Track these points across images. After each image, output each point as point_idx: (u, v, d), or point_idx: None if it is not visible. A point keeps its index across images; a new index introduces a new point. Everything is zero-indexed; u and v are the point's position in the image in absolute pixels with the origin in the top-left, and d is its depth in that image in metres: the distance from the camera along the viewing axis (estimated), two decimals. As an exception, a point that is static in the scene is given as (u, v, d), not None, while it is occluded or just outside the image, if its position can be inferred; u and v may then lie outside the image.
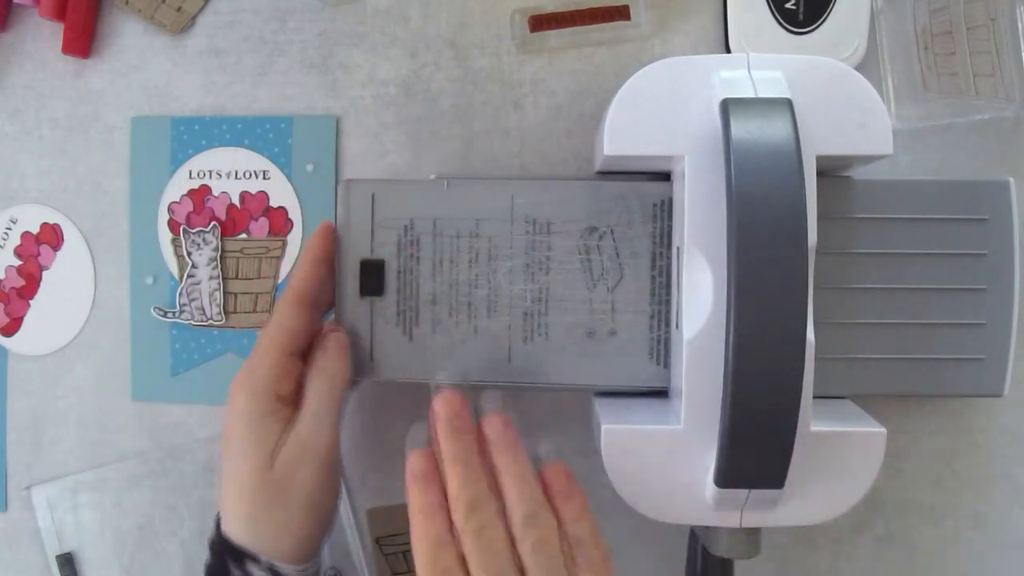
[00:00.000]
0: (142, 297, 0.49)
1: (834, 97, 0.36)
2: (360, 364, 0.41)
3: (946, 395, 0.42)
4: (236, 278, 0.48)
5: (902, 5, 0.45)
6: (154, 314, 0.49)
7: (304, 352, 0.40)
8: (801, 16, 0.45)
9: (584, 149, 0.47)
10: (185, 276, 0.48)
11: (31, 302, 0.50)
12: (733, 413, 0.32)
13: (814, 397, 0.35)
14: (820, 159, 0.35)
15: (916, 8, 0.45)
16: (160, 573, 0.49)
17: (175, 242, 0.49)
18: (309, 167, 0.48)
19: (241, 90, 0.48)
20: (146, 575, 0.49)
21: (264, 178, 0.48)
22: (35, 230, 0.50)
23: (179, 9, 0.48)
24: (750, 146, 0.32)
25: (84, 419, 0.49)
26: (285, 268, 0.48)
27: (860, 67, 0.44)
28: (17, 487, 0.49)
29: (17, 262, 0.50)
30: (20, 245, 0.50)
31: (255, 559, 0.37)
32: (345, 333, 0.40)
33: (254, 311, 0.48)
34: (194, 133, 0.48)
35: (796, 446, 0.33)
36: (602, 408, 0.39)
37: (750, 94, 0.34)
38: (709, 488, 0.35)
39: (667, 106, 0.36)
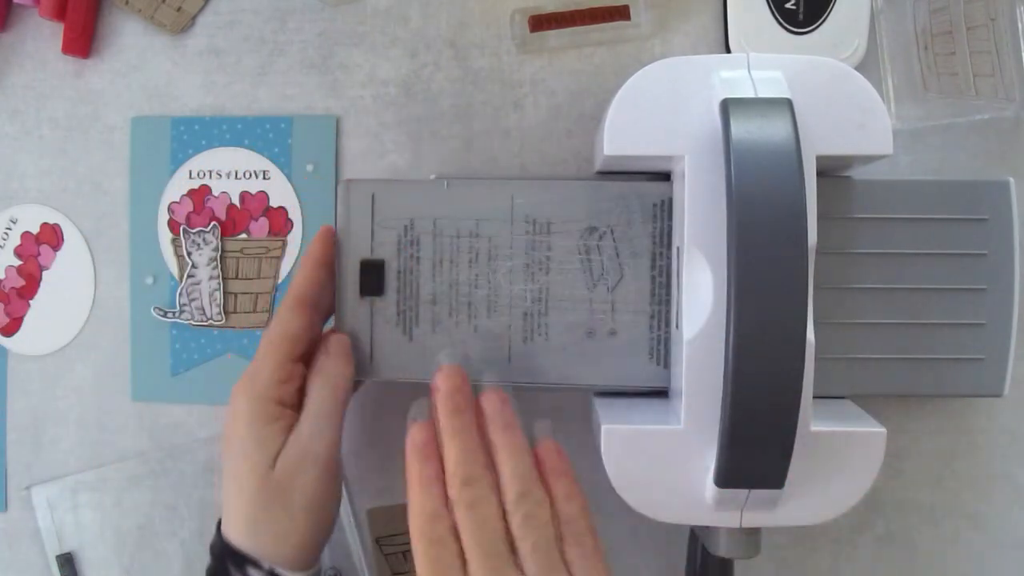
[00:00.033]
0: (142, 297, 0.49)
1: (834, 97, 0.36)
2: (360, 364, 0.41)
3: (946, 395, 0.42)
4: (236, 278, 0.48)
5: (902, 5, 0.45)
6: (154, 314, 0.49)
7: (306, 356, 0.40)
8: (801, 16, 0.45)
9: (584, 149, 0.47)
10: (185, 276, 0.48)
11: (31, 302, 0.50)
12: (733, 413, 0.32)
13: (814, 397, 0.35)
14: (820, 159, 0.35)
15: (916, 8, 0.45)
16: (160, 573, 0.49)
17: (175, 242, 0.49)
18: (309, 167, 0.48)
19: (241, 90, 0.48)
20: (146, 575, 0.49)
21: (264, 178, 0.48)
22: (35, 230, 0.50)
23: (179, 9, 0.48)
24: (750, 146, 0.32)
25: (84, 419, 0.49)
26: (285, 268, 0.48)
27: (860, 67, 0.44)
28: (17, 487, 0.49)
29: (17, 262, 0.50)
30: (20, 245, 0.50)
31: (256, 564, 0.37)
32: (348, 337, 0.40)
33: (254, 311, 0.48)
34: (194, 133, 0.48)
35: (796, 446, 0.33)
36: (602, 408, 0.39)
37: (750, 94, 0.34)
38: (709, 488, 0.35)
39: (667, 106, 0.36)
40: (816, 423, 0.35)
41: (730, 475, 0.34)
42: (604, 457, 0.37)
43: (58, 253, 0.50)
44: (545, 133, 0.47)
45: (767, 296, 0.32)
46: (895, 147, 0.36)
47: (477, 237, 0.40)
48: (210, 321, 0.48)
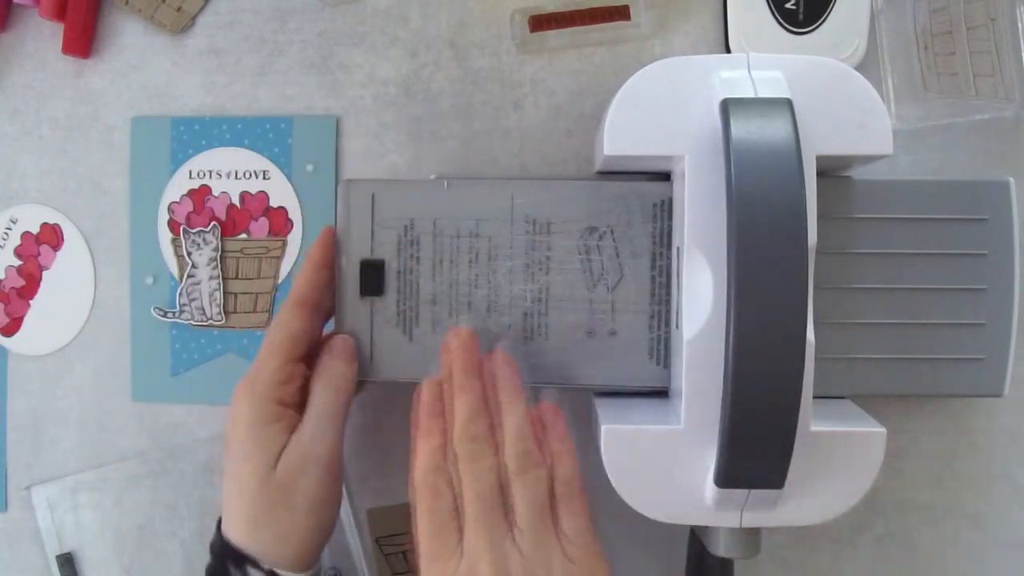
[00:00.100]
0: (142, 297, 0.49)
1: (834, 97, 0.36)
2: (360, 364, 0.41)
3: (946, 395, 0.42)
4: (236, 278, 0.48)
5: (902, 5, 0.45)
6: (154, 314, 0.49)
7: (306, 356, 0.40)
8: (801, 16, 0.45)
9: (584, 149, 0.47)
10: (185, 276, 0.48)
11: (31, 302, 0.50)
12: (733, 413, 0.32)
13: (814, 397, 0.35)
14: (820, 159, 0.35)
15: (916, 8, 0.45)
16: (160, 573, 0.49)
17: (175, 242, 0.49)
18: (309, 167, 0.48)
19: (241, 90, 0.48)
20: (146, 575, 0.49)
21: (264, 178, 0.48)
22: (35, 230, 0.50)
23: (179, 9, 0.48)
24: (750, 146, 0.32)
25: (84, 419, 0.49)
26: (285, 268, 0.48)
27: (860, 67, 0.44)
28: (17, 487, 0.49)
29: (17, 262, 0.50)
30: (20, 245, 0.50)
31: (256, 563, 0.37)
32: (351, 338, 0.40)
33: (254, 311, 0.48)
34: (194, 133, 0.48)
35: (796, 446, 0.33)
36: (602, 408, 0.39)
37: (750, 94, 0.34)
38: (709, 488, 0.35)
39: (667, 106, 0.36)
40: (816, 423, 0.35)
41: (730, 475, 0.34)
42: (604, 457, 0.37)
43: (58, 253, 0.50)
44: (545, 133, 0.47)
45: (767, 296, 0.32)
46: (895, 147, 0.36)
47: (477, 237, 0.40)
48: (210, 321, 0.48)
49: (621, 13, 0.45)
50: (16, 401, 0.50)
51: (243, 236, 0.48)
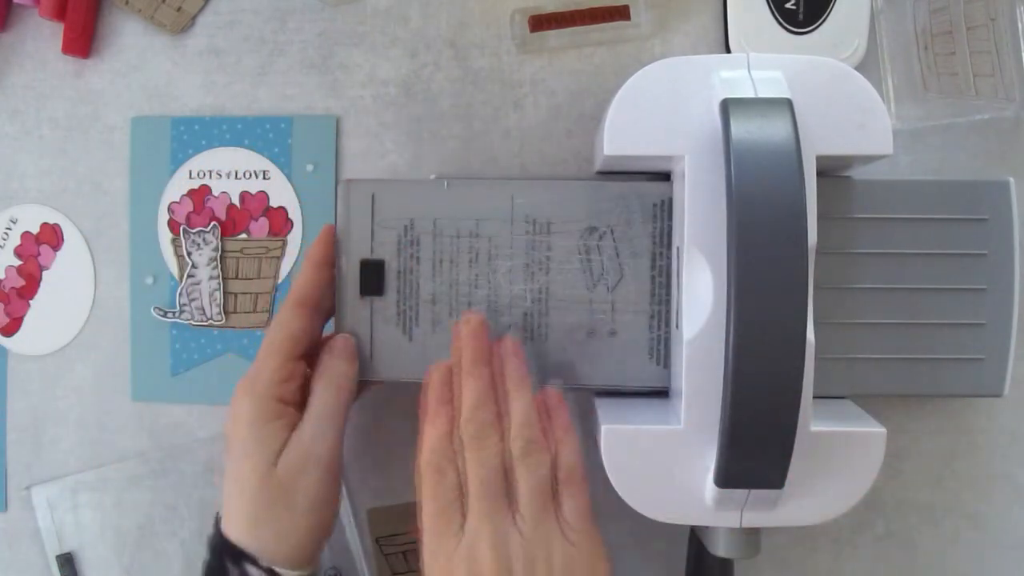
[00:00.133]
0: (142, 297, 0.49)
1: (834, 97, 0.36)
2: (360, 364, 0.41)
3: (946, 395, 0.42)
4: (236, 278, 0.48)
5: (902, 5, 0.45)
6: (154, 314, 0.49)
7: (307, 355, 0.40)
8: (801, 16, 0.45)
9: (584, 149, 0.47)
10: (185, 276, 0.48)
11: (31, 302, 0.50)
12: (733, 413, 0.32)
13: (814, 397, 0.35)
14: (820, 159, 0.35)
15: (916, 8, 0.45)
16: (160, 573, 0.49)
17: (175, 242, 0.49)
18: (309, 167, 0.48)
19: (241, 90, 0.48)
20: (146, 575, 0.49)
21: (264, 178, 0.48)
22: (35, 230, 0.50)
23: (179, 9, 0.48)
24: (750, 146, 0.32)
25: (84, 419, 0.49)
26: (285, 268, 0.48)
27: (860, 67, 0.44)
28: (17, 487, 0.49)
29: (17, 262, 0.50)
30: (20, 245, 0.50)
31: (254, 561, 0.37)
32: (353, 338, 0.40)
33: (254, 311, 0.48)
34: (194, 133, 0.48)
35: (796, 446, 0.33)
36: (602, 408, 0.39)
37: (750, 94, 0.34)
38: (709, 488, 0.35)
39: (667, 106, 0.36)
40: (816, 423, 0.35)
41: (730, 475, 0.34)
42: (604, 457, 0.37)
43: (58, 253, 0.50)
44: (545, 133, 0.47)
45: (767, 296, 0.32)
46: (895, 147, 0.36)
47: (477, 237, 0.40)
48: (210, 321, 0.48)
49: (621, 13, 0.45)
50: (16, 401, 0.50)
51: (243, 236, 0.48)
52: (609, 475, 0.37)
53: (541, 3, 0.46)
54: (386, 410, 0.47)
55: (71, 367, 0.49)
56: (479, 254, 0.40)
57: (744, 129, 0.33)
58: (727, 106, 0.34)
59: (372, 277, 0.41)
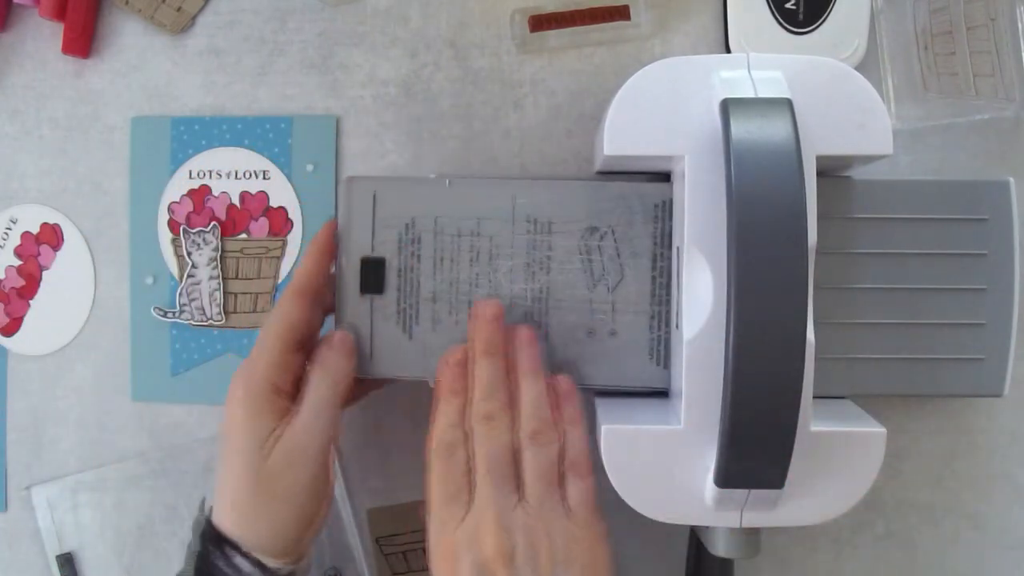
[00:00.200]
0: (142, 297, 0.49)
1: (834, 97, 0.36)
2: (360, 361, 0.41)
3: (946, 395, 0.42)
4: (236, 278, 0.48)
5: (902, 5, 0.45)
6: (154, 314, 0.49)
7: (305, 347, 0.40)
8: (801, 16, 0.45)
9: (584, 149, 0.47)
10: (185, 276, 0.48)
11: (31, 302, 0.50)
12: (733, 413, 0.32)
13: (814, 397, 0.35)
14: (820, 159, 0.35)
15: (916, 8, 0.45)
16: (160, 573, 0.49)
17: (175, 242, 0.49)
18: (309, 167, 0.48)
19: (241, 90, 0.48)
20: (146, 575, 0.49)
21: (264, 178, 0.48)
22: (35, 230, 0.50)
23: (179, 9, 0.48)
24: (750, 146, 0.32)
25: (84, 419, 0.49)
26: (285, 268, 0.48)
27: (860, 67, 0.44)
28: (17, 487, 0.49)
29: (17, 262, 0.50)
30: (20, 245, 0.50)
31: (239, 549, 0.37)
32: (352, 335, 0.40)
33: (254, 311, 0.48)
34: (194, 133, 0.48)
35: (796, 446, 0.33)
36: (602, 408, 0.39)
37: (750, 94, 0.34)
38: (709, 488, 0.35)
39: (667, 106, 0.36)
40: (816, 423, 0.35)
41: (730, 475, 0.34)
42: (604, 457, 0.37)
43: (58, 253, 0.50)
44: (545, 133, 0.47)
45: (767, 296, 0.32)
46: (895, 147, 0.36)
47: (478, 236, 0.40)
48: (210, 321, 0.48)
49: (621, 13, 0.45)
50: (16, 401, 0.50)
51: (243, 236, 0.48)
52: (609, 475, 0.37)
53: (541, 3, 0.46)
54: (386, 410, 0.47)
55: (71, 367, 0.49)
56: (480, 253, 0.41)
57: (744, 129, 0.33)
58: (727, 106, 0.34)
59: (373, 275, 0.41)
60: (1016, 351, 0.40)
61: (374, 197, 0.41)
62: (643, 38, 0.46)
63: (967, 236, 0.40)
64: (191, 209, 0.48)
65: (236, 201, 0.48)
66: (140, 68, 0.49)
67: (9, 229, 0.50)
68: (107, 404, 0.49)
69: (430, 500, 0.37)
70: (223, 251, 0.48)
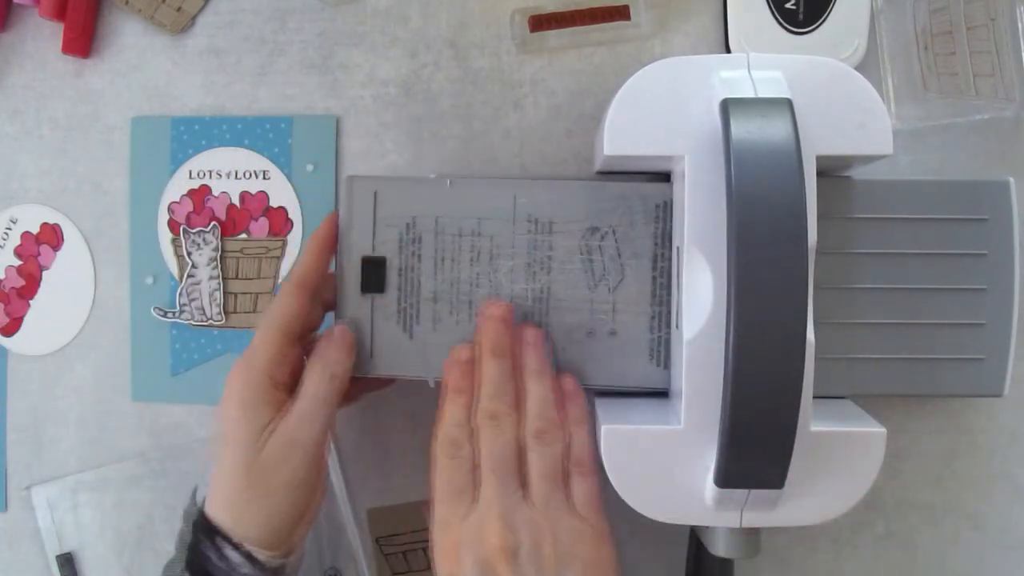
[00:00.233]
0: (142, 297, 0.49)
1: (834, 97, 0.36)
2: (360, 360, 0.41)
3: (946, 395, 0.42)
4: (236, 278, 0.48)
5: (902, 5, 0.45)
6: (154, 314, 0.49)
7: (303, 340, 0.40)
8: (801, 16, 0.45)
9: (584, 149, 0.47)
10: (185, 276, 0.48)
11: (31, 302, 0.50)
12: (733, 413, 0.32)
13: (814, 397, 0.35)
14: (820, 159, 0.35)
15: (916, 8, 0.45)
16: (160, 573, 0.49)
17: (175, 242, 0.49)
18: (309, 167, 0.48)
19: (241, 90, 0.48)
20: (146, 575, 0.49)
21: (264, 178, 0.48)
22: (35, 230, 0.50)
23: (179, 9, 0.48)
24: (750, 146, 0.32)
25: (84, 419, 0.49)
26: (285, 268, 0.48)
27: (860, 67, 0.44)
28: (17, 487, 0.49)
29: (17, 262, 0.50)
30: (20, 245, 0.50)
31: (230, 540, 0.37)
32: (352, 331, 0.40)
33: (254, 311, 0.48)
34: (194, 133, 0.48)
35: (796, 446, 0.33)
36: (602, 408, 0.39)
37: (750, 94, 0.34)
38: (709, 488, 0.35)
39: (667, 106, 0.36)
40: (816, 423, 0.35)
41: (730, 475, 0.34)
42: (604, 457, 0.37)
43: (58, 253, 0.50)
44: (545, 133, 0.47)
45: (767, 296, 0.32)
46: (895, 147, 0.36)
47: (479, 236, 0.40)
48: (210, 321, 0.48)
49: (621, 13, 0.45)
50: (16, 401, 0.50)
51: (243, 236, 0.48)
52: (609, 475, 0.37)
53: (541, 3, 0.46)
54: (386, 410, 0.47)
55: (71, 367, 0.49)
56: (481, 253, 0.41)
57: (744, 129, 0.33)
58: (727, 106, 0.34)
59: (373, 274, 0.41)
60: (1016, 351, 0.40)
61: (375, 197, 0.41)
62: (643, 38, 0.46)
63: (967, 236, 0.40)
64: (191, 209, 0.48)
65: (236, 201, 0.48)
66: (140, 68, 0.49)
67: (9, 229, 0.50)
68: (107, 404, 0.49)
69: (435, 496, 0.37)
70: (223, 251, 0.48)
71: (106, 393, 0.49)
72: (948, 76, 0.44)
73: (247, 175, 0.48)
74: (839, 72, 0.36)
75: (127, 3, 0.48)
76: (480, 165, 0.47)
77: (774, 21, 0.45)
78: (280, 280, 0.48)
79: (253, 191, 0.48)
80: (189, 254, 0.48)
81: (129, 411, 0.49)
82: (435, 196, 0.40)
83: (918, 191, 0.40)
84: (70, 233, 0.49)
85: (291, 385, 0.39)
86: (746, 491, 0.35)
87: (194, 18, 0.48)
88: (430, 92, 0.47)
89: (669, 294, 0.40)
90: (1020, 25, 0.43)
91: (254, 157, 0.48)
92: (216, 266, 0.48)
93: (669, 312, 0.40)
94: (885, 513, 0.46)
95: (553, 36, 0.46)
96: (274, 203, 0.48)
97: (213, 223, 0.48)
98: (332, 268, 0.42)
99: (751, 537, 0.38)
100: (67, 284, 0.49)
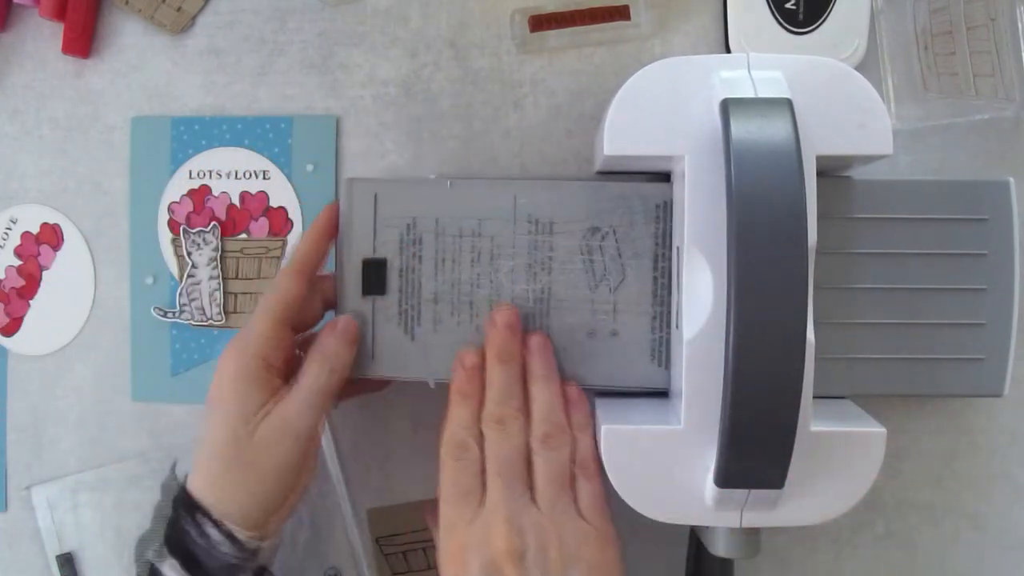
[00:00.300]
0: (142, 297, 0.49)
1: (834, 97, 0.36)
2: (361, 361, 0.41)
3: (946, 395, 0.42)
4: (236, 278, 0.48)
5: (902, 5, 0.45)
6: (154, 314, 0.49)
7: (299, 326, 0.40)
8: (801, 16, 0.45)
9: (584, 149, 0.47)
10: (185, 276, 0.48)
11: (31, 302, 0.50)
12: (733, 413, 0.32)
13: (814, 397, 0.35)
14: (820, 159, 0.35)
15: (916, 8, 0.45)
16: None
17: (175, 242, 0.49)
18: (309, 167, 0.48)
19: (241, 90, 0.48)
20: (146, 575, 0.49)
21: (264, 178, 0.48)
22: (35, 230, 0.50)
23: (179, 9, 0.48)
24: (750, 146, 0.32)
25: (84, 419, 0.49)
26: (285, 268, 0.48)
27: (860, 67, 0.44)
28: (17, 487, 0.49)
29: (17, 262, 0.50)
30: (20, 245, 0.50)
31: (210, 516, 0.37)
32: (356, 323, 0.40)
33: (254, 311, 0.48)
34: (194, 133, 0.48)
35: (796, 446, 0.33)
36: (602, 408, 0.39)
37: (750, 94, 0.34)
38: (709, 488, 0.35)
39: (667, 106, 0.36)
40: (816, 423, 0.35)
41: (730, 475, 0.34)
42: (604, 457, 0.37)
43: (58, 253, 0.50)
44: (545, 133, 0.47)
45: (767, 296, 0.32)
46: (895, 147, 0.36)
47: (479, 236, 0.40)
48: (210, 321, 0.48)
49: (621, 13, 0.45)
50: (16, 401, 0.50)
51: (243, 236, 0.48)
52: (609, 475, 0.37)
53: (541, 3, 0.46)
54: (386, 410, 0.47)
55: (71, 367, 0.49)
56: (481, 254, 0.40)
57: (744, 129, 0.33)
58: (727, 106, 0.34)
59: (374, 276, 0.41)
60: (1016, 351, 0.40)
61: (375, 198, 0.41)
62: (643, 38, 0.46)
63: (967, 236, 0.40)
64: (191, 209, 0.48)
65: (236, 201, 0.48)
66: (140, 68, 0.49)
67: (9, 229, 0.50)
68: (107, 404, 0.49)
69: (441, 498, 0.37)
70: (223, 251, 0.48)
71: (106, 393, 0.49)
72: (948, 76, 0.44)
73: (247, 175, 0.48)
74: (839, 72, 0.36)
75: (127, 3, 0.48)
76: (480, 165, 0.47)
77: (774, 21, 0.45)
78: (280, 280, 0.48)
79: (253, 191, 0.48)
80: (189, 254, 0.48)
81: (129, 411, 0.49)
82: (435, 197, 0.40)
83: (918, 191, 0.40)
84: (70, 233, 0.49)
85: (284, 371, 0.39)
86: (746, 491, 0.35)
87: (194, 18, 0.48)
88: (430, 92, 0.47)
89: (670, 294, 0.40)
90: (1020, 25, 0.43)
91: (254, 157, 0.48)
92: (216, 266, 0.48)
93: (670, 312, 0.40)
94: (885, 513, 0.47)
95: (553, 36, 0.46)
96: (274, 203, 0.48)
97: (213, 223, 0.48)
98: (332, 269, 0.42)
99: (751, 537, 0.38)
100: (67, 284, 0.49)
